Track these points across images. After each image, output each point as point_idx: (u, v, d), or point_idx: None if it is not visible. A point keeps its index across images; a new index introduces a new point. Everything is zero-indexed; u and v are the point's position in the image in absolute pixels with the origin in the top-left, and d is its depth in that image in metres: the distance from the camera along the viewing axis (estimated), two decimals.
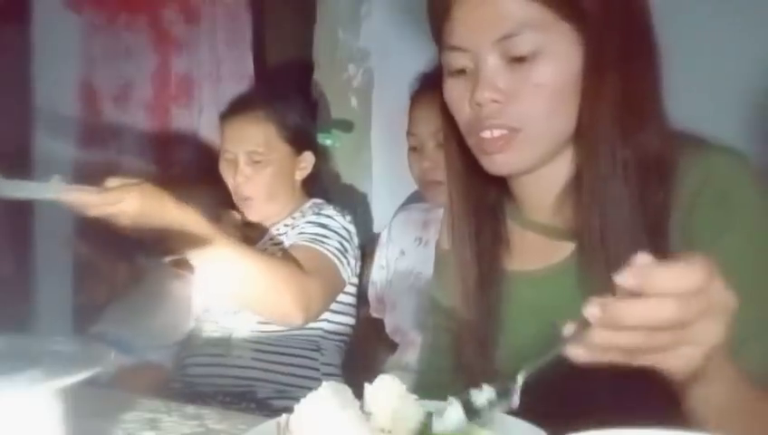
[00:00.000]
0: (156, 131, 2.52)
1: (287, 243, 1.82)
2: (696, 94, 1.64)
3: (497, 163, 0.90)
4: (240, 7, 2.43)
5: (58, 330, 2.48)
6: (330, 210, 1.87)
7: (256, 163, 1.87)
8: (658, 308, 0.59)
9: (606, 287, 0.67)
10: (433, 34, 0.94)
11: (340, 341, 1.89)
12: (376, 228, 2.14)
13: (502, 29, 0.85)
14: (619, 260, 0.68)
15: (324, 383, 0.67)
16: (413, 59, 1.88)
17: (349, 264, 1.81)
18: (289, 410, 1.79)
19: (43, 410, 0.66)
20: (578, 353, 0.63)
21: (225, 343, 1.80)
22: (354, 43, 2.32)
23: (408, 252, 1.87)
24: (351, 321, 1.91)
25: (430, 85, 1.75)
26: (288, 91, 2.17)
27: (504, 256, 1.00)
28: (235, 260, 1.54)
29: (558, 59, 0.86)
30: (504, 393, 0.69)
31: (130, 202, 1.42)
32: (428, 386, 1.09)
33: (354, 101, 2.33)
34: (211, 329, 1.85)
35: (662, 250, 0.82)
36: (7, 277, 2.55)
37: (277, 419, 0.68)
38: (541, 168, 0.92)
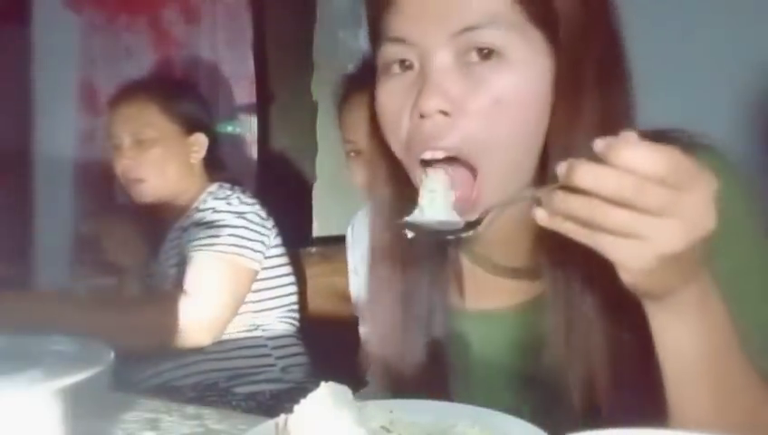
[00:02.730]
0: None
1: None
2: (691, 94, 1.64)
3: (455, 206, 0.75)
4: (240, 7, 2.43)
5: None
6: (213, 200, 1.82)
7: (141, 143, 1.85)
8: (615, 179, 0.57)
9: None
10: (369, 26, 0.82)
11: (285, 312, 1.87)
12: None
13: (462, 20, 0.71)
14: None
15: (323, 384, 0.67)
16: None
17: (254, 248, 1.78)
18: (256, 395, 1.78)
19: (43, 410, 0.66)
20: (541, 215, 0.62)
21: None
22: (354, 43, 2.32)
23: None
24: (290, 290, 1.89)
25: (358, 87, 1.62)
26: (174, 78, 2.16)
27: (449, 295, 0.87)
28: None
29: (523, 69, 0.72)
30: (471, 224, 0.72)
31: None
32: None
33: None
34: None
35: None
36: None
37: (276, 419, 0.69)
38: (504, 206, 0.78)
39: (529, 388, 0.82)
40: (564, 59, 0.73)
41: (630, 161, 0.56)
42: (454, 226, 0.72)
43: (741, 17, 1.68)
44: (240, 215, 1.79)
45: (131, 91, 1.92)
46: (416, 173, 0.76)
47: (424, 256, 0.86)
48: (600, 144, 0.58)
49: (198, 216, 1.81)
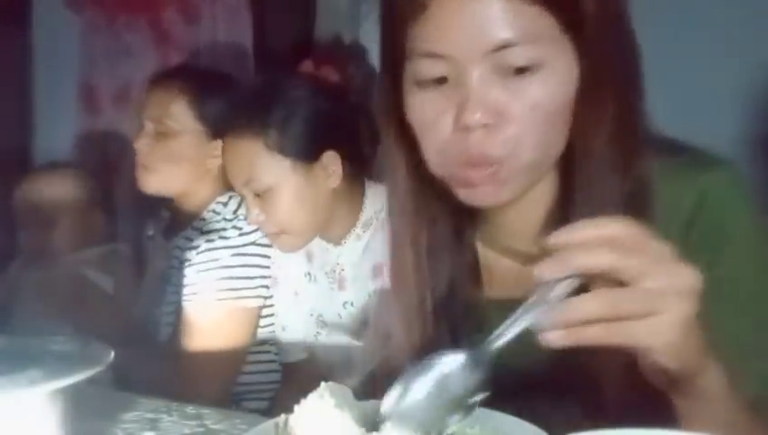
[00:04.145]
0: None
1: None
2: (691, 94, 1.64)
3: (478, 196, 0.79)
4: (240, 7, 2.43)
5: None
6: (216, 229, 1.71)
7: (160, 134, 1.76)
8: (590, 255, 0.59)
9: None
10: (390, 36, 0.80)
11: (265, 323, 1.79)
12: None
13: (496, 38, 0.73)
14: None
15: (323, 384, 0.67)
16: None
17: (251, 286, 1.68)
18: (264, 411, 1.73)
19: (43, 410, 0.66)
20: (556, 337, 0.61)
21: None
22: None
23: (302, 292, 1.67)
24: (266, 301, 1.75)
25: (238, 123, 1.56)
26: (218, 75, 1.98)
27: (472, 286, 0.91)
28: None
29: (557, 77, 0.75)
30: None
31: None
32: None
33: None
34: None
35: None
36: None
37: (276, 419, 0.69)
38: (523, 195, 0.82)
39: (538, 384, 0.82)
40: (587, 61, 0.75)
41: (589, 237, 0.60)
42: None
43: (741, 17, 1.68)
44: (237, 248, 1.68)
45: (167, 78, 1.82)
46: (455, 177, 0.79)
47: (446, 245, 0.89)
48: (556, 238, 0.61)
49: (197, 258, 1.70)
